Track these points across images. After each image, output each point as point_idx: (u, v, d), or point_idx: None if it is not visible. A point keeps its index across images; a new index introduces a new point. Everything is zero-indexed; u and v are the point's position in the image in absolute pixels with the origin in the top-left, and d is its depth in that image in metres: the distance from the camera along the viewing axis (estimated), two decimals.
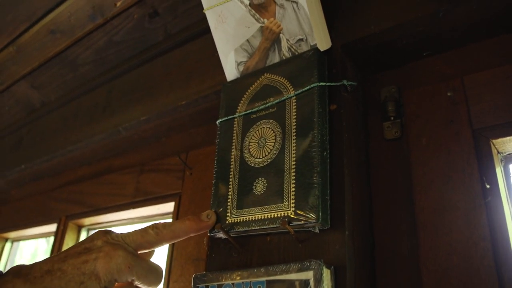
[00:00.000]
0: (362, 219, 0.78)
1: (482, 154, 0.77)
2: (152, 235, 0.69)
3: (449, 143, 0.81)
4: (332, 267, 0.67)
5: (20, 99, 1.81)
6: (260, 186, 0.78)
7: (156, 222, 0.72)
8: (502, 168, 0.79)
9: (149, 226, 0.70)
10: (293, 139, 0.77)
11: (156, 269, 0.68)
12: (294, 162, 0.75)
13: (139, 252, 0.69)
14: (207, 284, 0.76)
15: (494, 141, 0.78)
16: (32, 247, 2.03)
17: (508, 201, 0.74)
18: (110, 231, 0.68)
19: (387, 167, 0.86)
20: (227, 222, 0.79)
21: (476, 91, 0.82)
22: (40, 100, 1.78)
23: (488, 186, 0.74)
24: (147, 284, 0.66)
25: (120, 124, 1.30)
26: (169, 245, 1.13)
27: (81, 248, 0.64)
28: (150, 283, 0.67)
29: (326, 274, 0.65)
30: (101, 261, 0.61)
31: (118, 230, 1.44)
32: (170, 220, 1.20)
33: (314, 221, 0.68)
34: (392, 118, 0.89)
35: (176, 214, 1.16)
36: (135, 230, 0.69)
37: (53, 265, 0.60)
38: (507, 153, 0.81)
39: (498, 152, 0.80)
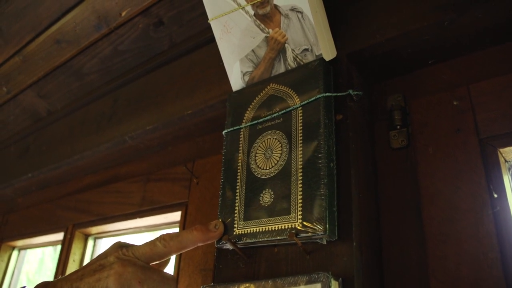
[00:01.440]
0: (369, 230, 0.78)
1: (490, 163, 0.77)
2: (160, 247, 0.70)
3: (456, 152, 0.81)
4: (340, 279, 0.67)
5: (26, 108, 1.82)
6: (267, 197, 0.78)
7: (164, 233, 0.72)
8: (510, 177, 0.79)
9: (156, 238, 0.71)
10: (300, 150, 0.77)
11: (168, 279, 0.70)
12: (300, 174, 0.75)
13: (153, 263, 0.70)
14: None
15: (501, 150, 0.78)
16: (39, 254, 2.04)
17: None
18: (123, 245, 0.70)
19: (394, 177, 0.86)
20: (234, 233, 0.79)
21: (482, 100, 0.82)
22: (46, 109, 1.79)
23: (496, 196, 0.73)
24: None
25: (126, 133, 1.30)
26: (177, 255, 1.13)
27: (96, 265, 0.66)
28: None
29: (335, 286, 0.65)
30: (112, 279, 0.63)
31: (126, 239, 1.45)
32: (177, 229, 1.20)
33: (322, 233, 0.68)
34: (398, 126, 0.89)
35: (183, 223, 1.16)
36: (145, 243, 0.71)
37: (72, 284, 0.64)
38: None
39: (506, 161, 0.80)
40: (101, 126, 1.45)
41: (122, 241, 0.72)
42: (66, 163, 1.55)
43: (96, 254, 1.55)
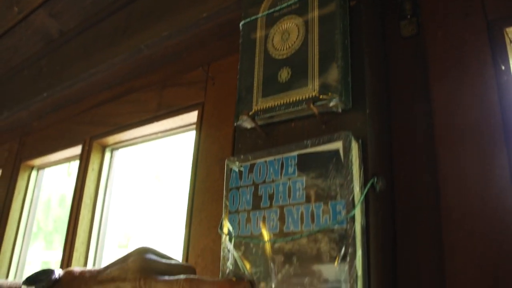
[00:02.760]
0: (380, 105, 0.83)
1: (496, 42, 0.81)
2: None
3: (464, 34, 0.85)
4: (360, 140, 0.72)
5: (38, 29, 1.83)
6: (284, 75, 0.83)
7: (184, 277, 0.65)
8: None
9: (176, 281, 0.64)
10: (316, 29, 0.81)
11: None
12: (317, 49, 0.80)
13: None
14: (240, 165, 0.82)
15: (507, 29, 0.82)
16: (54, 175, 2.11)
17: None
18: (146, 268, 0.65)
19: (404, 63, 0.90)
20: (253, 110, 0.84)
21: None
22: (58, 30, 1.80)
23: (503, 68, 0.78)
24: None
25: (141, 42, 1.33)
26: (195, 148, 1.19)
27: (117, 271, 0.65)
28: None
29: (354, 145, 0.70)
30: None
31: (142, 147, 1.49)
32: (194, 132, 1.25)
33: (338, 98, 0.74)
34: (408, 16, 0.92)
35: (200, 124, 1.22)
36: (165, 282, 0.64)
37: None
38: None
39: (511, 42, 0.84)
40: (115, 40, 1.48)
41: (148, 247, 0.68)
42: (81, 79, 1.59)
43: (113, 165, 1.62)
